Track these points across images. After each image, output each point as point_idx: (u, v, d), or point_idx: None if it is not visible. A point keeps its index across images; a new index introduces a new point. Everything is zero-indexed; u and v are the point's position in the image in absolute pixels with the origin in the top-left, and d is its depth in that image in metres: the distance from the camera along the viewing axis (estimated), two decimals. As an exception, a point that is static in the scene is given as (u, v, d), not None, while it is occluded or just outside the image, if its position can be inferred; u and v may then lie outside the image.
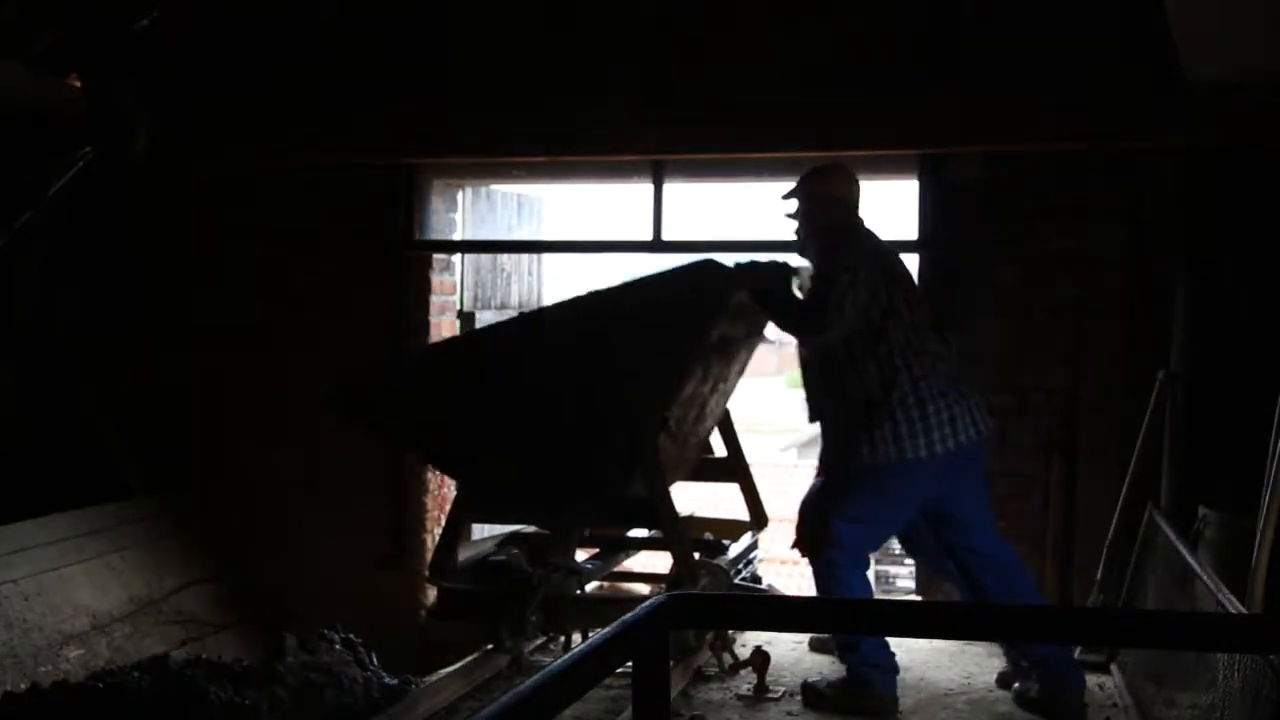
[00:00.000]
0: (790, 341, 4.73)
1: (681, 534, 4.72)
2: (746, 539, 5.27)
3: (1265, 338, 4.75)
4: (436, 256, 6.16)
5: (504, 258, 6.60)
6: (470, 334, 5.90)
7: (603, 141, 5.75)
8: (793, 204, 4.56)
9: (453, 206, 6.34)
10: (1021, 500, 5.35)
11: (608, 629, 2.26)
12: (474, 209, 6.41)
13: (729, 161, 5.88)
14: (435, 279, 6.13)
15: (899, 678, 4.38)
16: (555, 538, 4.89)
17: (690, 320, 4.46)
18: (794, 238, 4.60)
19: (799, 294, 4.56)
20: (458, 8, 5.93)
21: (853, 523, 4.24)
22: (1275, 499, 3.96)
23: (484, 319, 6.31)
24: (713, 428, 5.24)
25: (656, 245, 5.86)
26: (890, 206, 5.96)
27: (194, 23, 5.97)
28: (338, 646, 4.66)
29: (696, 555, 4.79)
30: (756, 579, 5.28)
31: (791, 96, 5.46)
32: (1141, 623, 2.90)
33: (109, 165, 5.73)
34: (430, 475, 6.03)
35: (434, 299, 6.11)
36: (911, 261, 5.24)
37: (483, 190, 6.44)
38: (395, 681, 4.64)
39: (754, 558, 5.32)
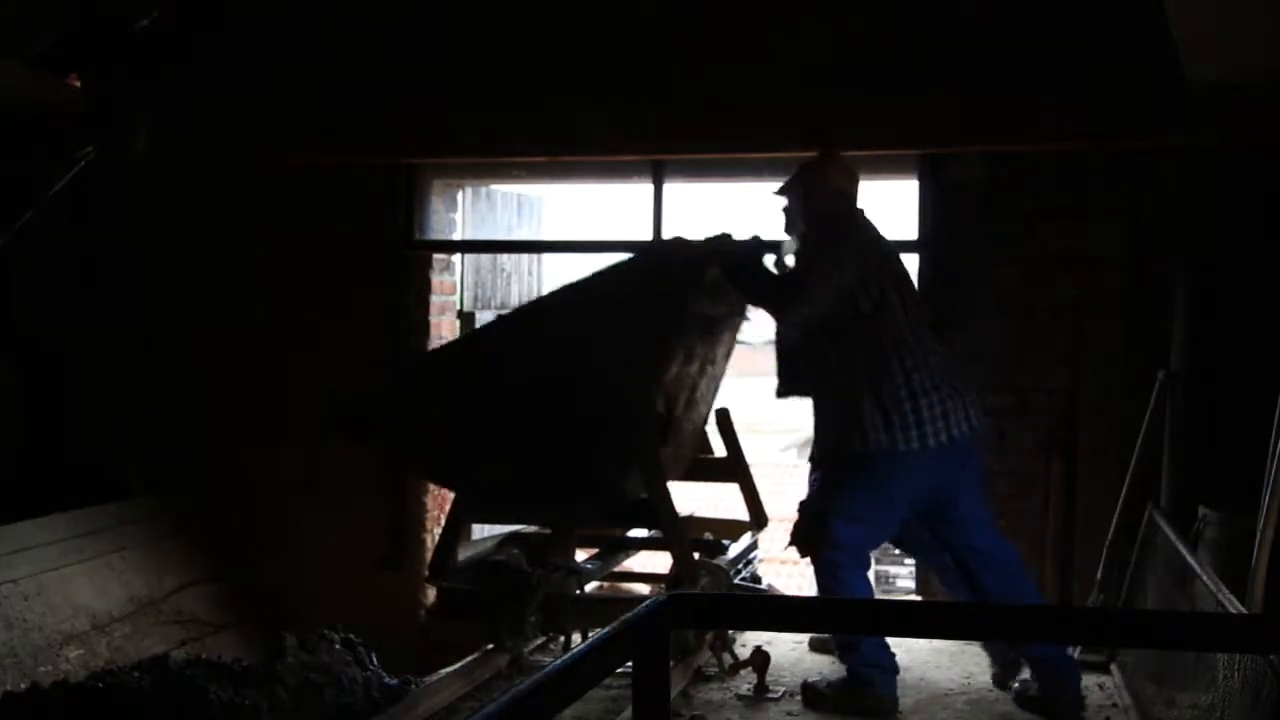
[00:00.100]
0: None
1: (681, 534, 4.72)
2: (746, 539, 5.27)
3: (1265, 338, 4.76)
4: (436, 256, 6.16)
5: (504, 258, 6.60)
6: (468, 335, 5.90)
7: (603, 141, 5.75)
8: (786, 195, 4.58)
9: (453, 206, 6.34)
10: (1021, 500, 5.35)
11: (608, 629, 2.26)
12: (474, 209, 6.41)
13: (729, 161, 5.88)
14: (435, 279, 6.13)
15: (899, 678, 4.38)
16: (555, 538, 4.88)
17: (666, 298, 4.45)
18: (786, 231, 4.62)
19: (774, 270, 4.56)
20: (458, 8, 5.93)
21: (851, 522, 4.24)
22: (1275, 499, 3.96)
23: (484, 319, 6.31)
24: (708, 414, 5.20)
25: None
26: (890, 206, 5.97)
27: (194, 23, 5.97)
28: (338, 646, 4.66)
29: (696, 555, 4.78)
30: (756, 579, 5.28)
31: (791, 96, 5.46)
32: (1141, 623, 2.90)
33: (109, 165, 5.73)
34: (430, 475, 6.04)
35: (434, 299, 6.11)
36: (911, 261, 5.24)
37: (483, 190, 6.44)
38: (395, 681, 4.64)
39: (754, 558, 5.32)
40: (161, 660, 4.69)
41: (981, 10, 5.34)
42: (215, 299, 6.24)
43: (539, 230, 6.81)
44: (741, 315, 5.05)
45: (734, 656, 4.65)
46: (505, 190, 6.53)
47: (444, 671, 4.60)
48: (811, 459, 4.63)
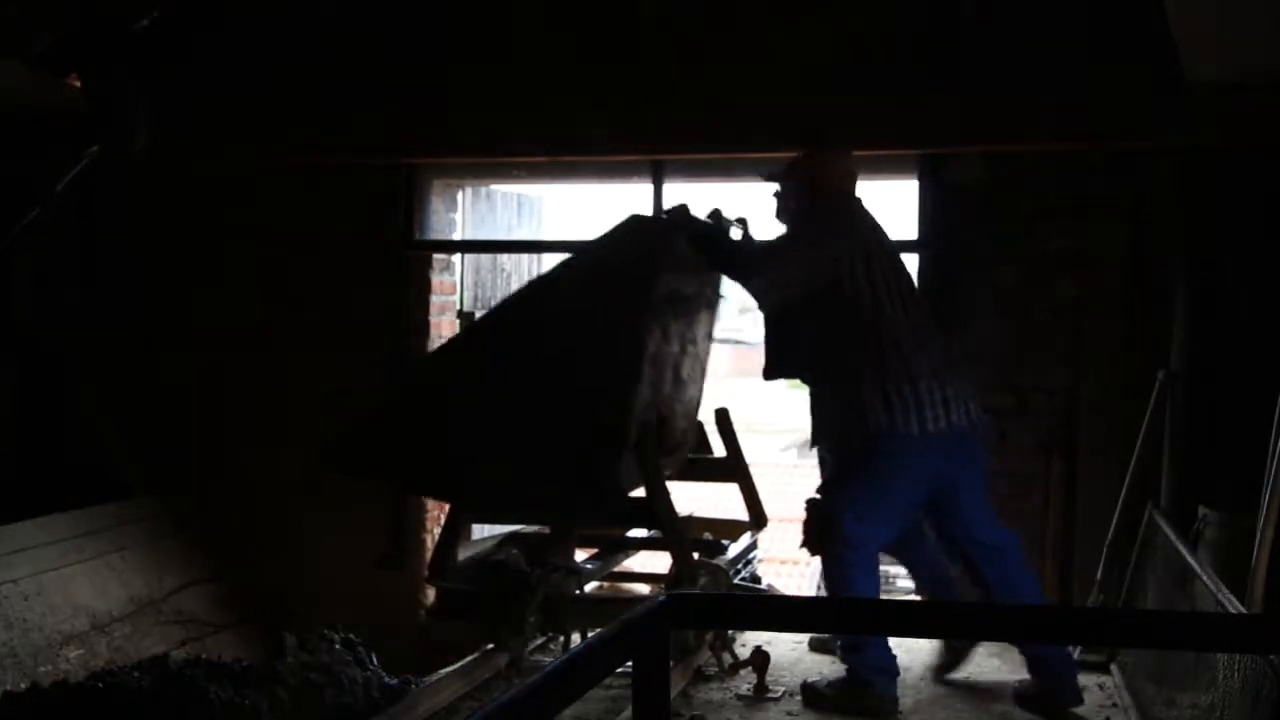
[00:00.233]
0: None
1: (681, 534, 4.72)
2: (746, 539, 5.27)
3: (1265, 338, 4.76)
4: (436, 256, 6.16)
5: (504, 258, 6.60)
6: (461, 334, 5.85)
7: (603, 141, 5.75)
8: (785, 179, 4.59)
9: (453, 206, 6.34)
10: (1021, 500, 5.34)
11: (608, 629, 2.26)
12: (474, 209, 6.41)
13: (729, 161, 5.88)
14: (435, 279, 6.13)
15: (899, 678, 4.38)
16: (554, 538, 4.88)
17: (633, 276, 4.45)
18: (776, 216, 4.62)
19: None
20: (458, 8, 5.93)
21: (861, 520, 4.23)
22: (1275, 499, 3.96)
23: (484, 319, 6.31)
24: (699, 398, 5.14)
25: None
26: (890, 206, 5.97)
27: (194, 23, 5.96)
28: (338, 646, 4.66)
29: (696, 555, 4.78)
30: (756, 579, 5.28)
31: (791, 96, 5.46)
32: (1141, 623, 2.91)
33: (109, 165, 5.74)
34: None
35: (434, 299, 6.11)
36: (911, 261, 5.24)
37: (483, 190, 6.44)
38: (395, 681, 4.64)
39: (753, 558, 5.32)
40: (161, 660, 4.69)
41: (981, 10, 5.34)
42: (215, 299, 6.24)
43: (539, 230, 6.81)
44: (715, 293, 5.04)
45: (734, 656, 4.65)
46: (505, 190, 6.53)
47: (444, 671, 4.60)
48: (812, 445, 4.62)
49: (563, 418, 4.37)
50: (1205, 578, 3.78)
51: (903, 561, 4.86)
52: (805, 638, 5.01)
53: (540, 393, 4.40)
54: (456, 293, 6.34)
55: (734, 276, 4.54)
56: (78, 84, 5.50)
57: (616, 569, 5.44)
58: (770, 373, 4.65)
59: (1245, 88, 4.79)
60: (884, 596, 5.22)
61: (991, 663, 4.81)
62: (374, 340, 5.99)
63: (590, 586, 4.96)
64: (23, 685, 4.62)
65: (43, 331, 6.26)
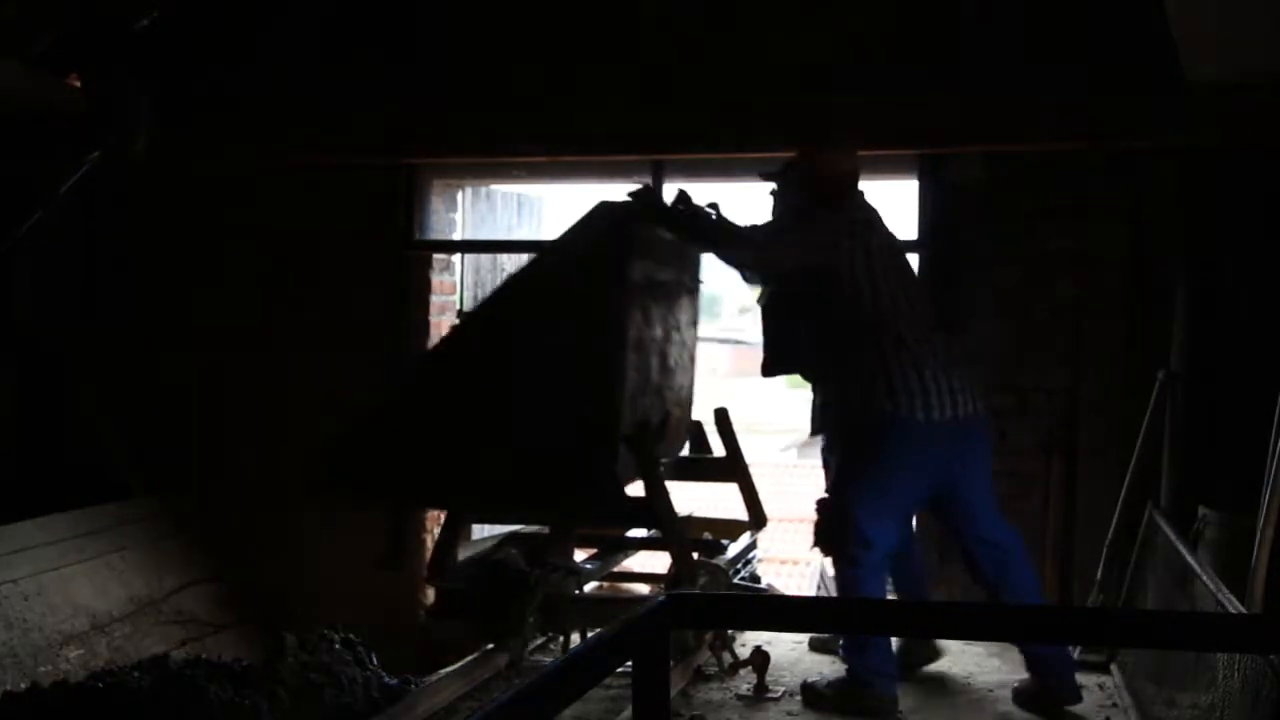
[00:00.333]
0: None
1: (680, 534, 4.72)
2: (745, 539, 5.27)
3: (1265, 338, 4.76)
4: (436, 256, 6.16)
5: (504, 258, 6.59)
6: (443, 341, 5.74)
7: (603, 141, 5.75)
8: (790, 171, 4.59)
9: (453, 206, 6.34)
10: (1021, 500, 5.34)
11: (608, 629, 2.26)
12: (474, 209, 6.41)
13: (729, 161, 5.88)
14: (435, 279, 6.13)
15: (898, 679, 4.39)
16: (553, 538, 4.88)
17: (606, 262, 4.44)
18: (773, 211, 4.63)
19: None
20: (458, 8, 5.93)
21: (873, 520, 4.23)
22: (1275, 499, 3.96)
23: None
24: (690, 387, 5.11)
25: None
26: (890, 206, 5.96)
27: (194, 23, 5.97)
28: (338, 646, 4.66)
29: (695, 555, 4.78)
30: (755, 578, 5.28)
31: (791, 96, 5.46)
32: (1141, 623, 2.91)
33: (109, 165, 5.74)
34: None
35: (434, 299, 6.11)
36: (911, 261, 5.23)
37: (483, 190, 6.44)
38: (395, 681, 4.64)
39: (753, 557, 5.32)
40: (161, 660, 4.69)
41: (981, 10, 5.34)
42: (215, 299, 6.25)
43: (539, 230, 6.81)
44: (694, 280, 5.03)
45: (734, 656, 4.65)
46: (505, 190, 6.53)
47: (444, 671, 4.60)
48: (813, 434, 4.60)
49: (552, 417, 4.36)
50: (1205, 578, 3.78)
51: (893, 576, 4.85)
52: (805, 638, 5.01)
53: (526, 392, 4.38)
54: (456, 293, 6.33)
55: (720, 250, 4.53)
56: (78, 84, 5.50)
57: (616, 569, 5.44)
58: (769, 369, 4.65)
59: (1245, 88, 4.79)
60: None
61: (991, 663, 4.81)
62: (374, 340, 5.99)
63: (590, 586, 4.96)
64: (23, 685, 4.62)
65: (43, 331, 6.26)
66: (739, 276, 4.78)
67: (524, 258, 6.68)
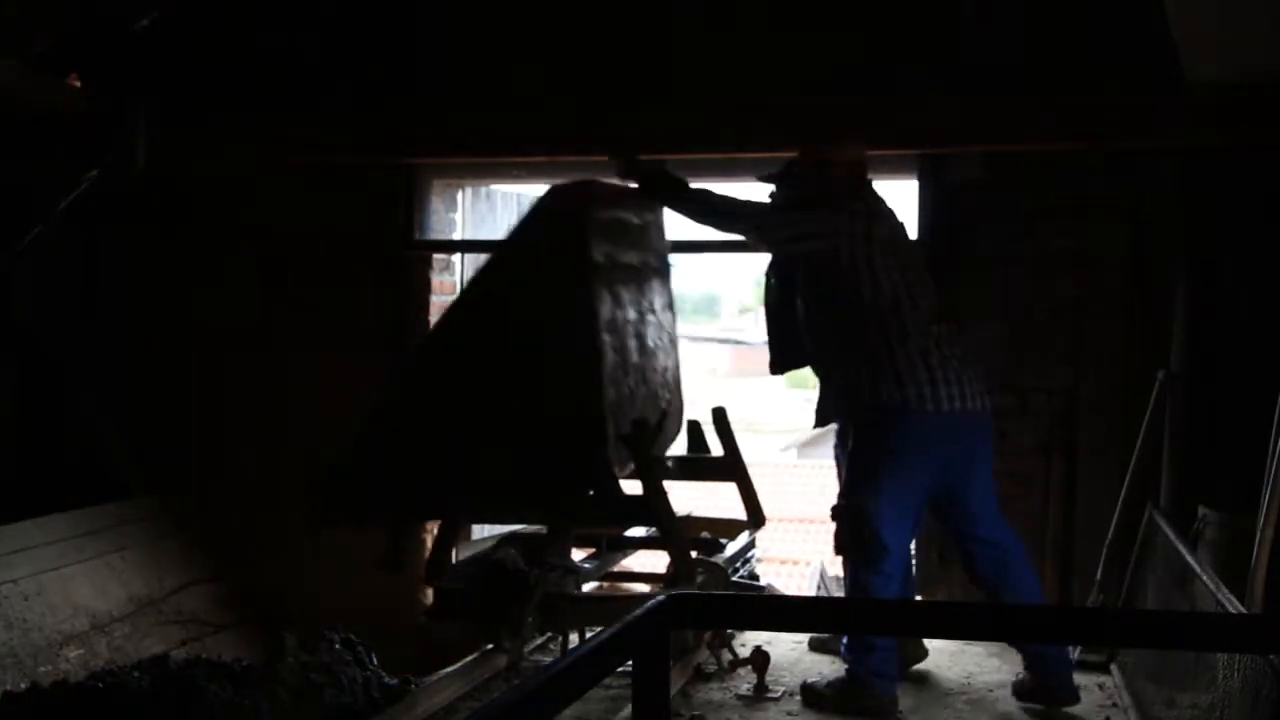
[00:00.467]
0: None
1: (679, 533, 4.72)
2: (744, 538, 5.27)
3: (1265, 338, 4.76)
4: (436, 256, 6.16)
5: (504, 257, 6.58)
6: (416, 351, 5.61)
7: (603, 141, 5.75)
8: (778, 182, 4.60)
9: (453, 206, 6.34)
10: (1021, 500, 5.34)
11: (608, 629, 2.27)
12: (474, 209, 6.41)
13: (729, 161, 5.88)
14: (435, 279, 6.13)
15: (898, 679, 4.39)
16: (552, 537, 4.88)
17: (565, 243, 4.43)
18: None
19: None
20: (458, 8, 5.93)
21: (892, 525, 4.22)
22: (1275, 499, 3.96)
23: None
24: (675, 368, 5.07)
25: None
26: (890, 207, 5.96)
27: (194, 23, 5.97)
28: (338, 646, 4.67)
29: (694, 554, 4.78)
30: (754, 578, 5.28)
31: (791, 96, 5.46)
32: (1141, 623, 2.91)
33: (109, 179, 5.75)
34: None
35: (434, 299, 6.10)
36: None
37: (483, 190, 6.44)
38: (395, 681, 4.64)
39: (751, 557, 5.32)
40: (161, 660, 4.70)
41: (981, 10, 5.34)
42: (215, 299, 6.24)
43: (539, 230, 6.80)
44: (662, 262, 5.02)
45: (734, 654, 4.66)
46: (505, 190, 6.53)
47: (443, 671, 4.60)
48: (819, 424, 4.59)
49: (536, 409, 4.33)
50: (1205, 578, 3.78)
51: None
52: (805, 638, 5.01)
53: (507, 389, 4.36)
54: (456, 293, 6.33)
55: (717, 219, 4.55)
56: (78, 84, 5.50)
57: (615, 568, 5.44)
58: (777, 366, 4.64)
59: (1245, 88, 4.79)
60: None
61: (991, 663, 4.81)
62: (374, 340, 5.99)
63: (589, 586, 4.96)
64: (23, 685, 4.62)
65: (43, 331, 6.26)
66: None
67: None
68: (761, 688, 4.48)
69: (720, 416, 5.34)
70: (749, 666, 4.54)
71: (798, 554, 10.51)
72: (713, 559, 4.81)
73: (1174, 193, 5.20)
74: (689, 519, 5.33)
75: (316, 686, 4.41)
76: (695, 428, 5.41)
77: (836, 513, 4.39)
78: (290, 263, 6.12)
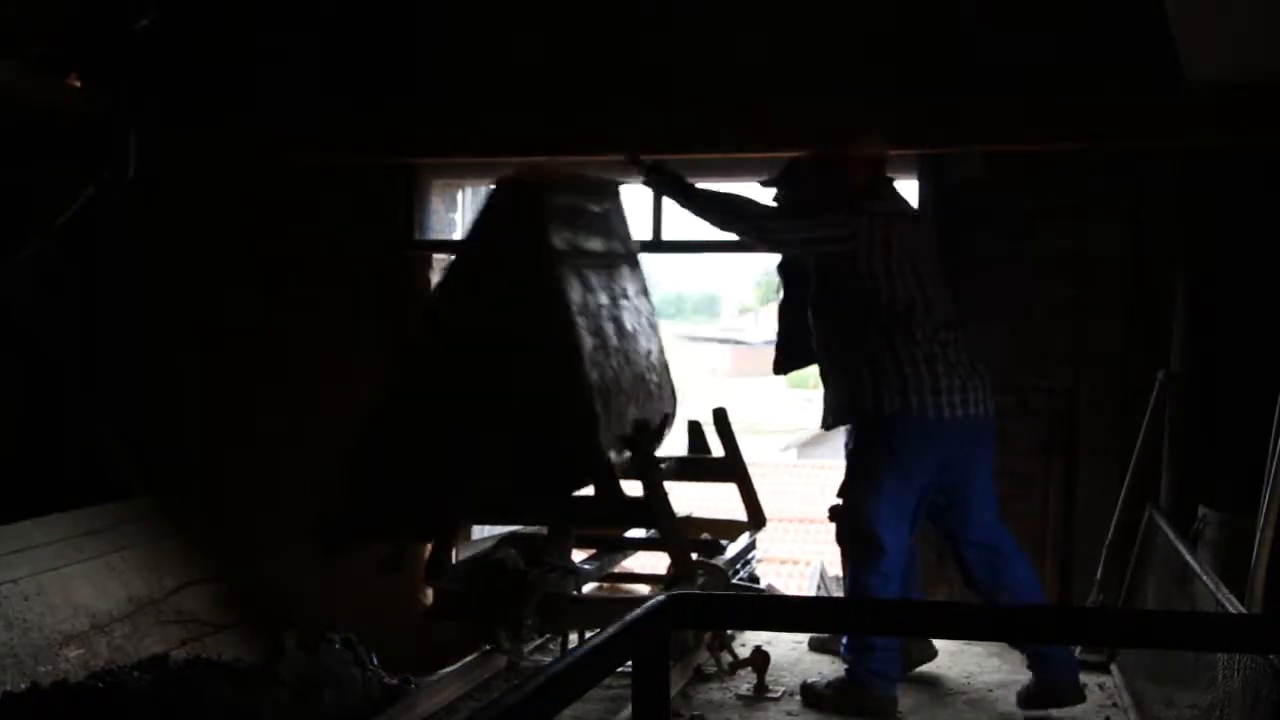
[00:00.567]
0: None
1: (679, 534, 4.72)
2: (744, 539, 5.27)
3: (1265, 338, 4.76)
4: (436, 256, 6.16)
5: (504, 258, 6.58)
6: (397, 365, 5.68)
7: (603, 141, 5.75)
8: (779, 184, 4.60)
9: (453, 206, 6.34)
10: (1021, 500, 5.34)
11: (608, 629, 2.26)
12: (474, 209, 6.41)
13: (729, 161, 5.88)
14: (435, 279, 6.13)
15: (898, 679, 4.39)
16: (552, 538, 4.88)
17: (524, 234, 4.42)
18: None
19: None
20: (459, 8, 5.93)
21: (891, 527, 4.22)
22: (1275, 499, 3.96)
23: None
24: (659, 351, 5.05)
25: (656, 245, 5.87)
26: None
27: (194, 24, 5.96)
28: (338, 646, 4.66)
29: (694, 555, 4.78)
30: (754, 579, 5.28)
31: (791, 96, 5.46)
32: (1141, 623, 2.91)
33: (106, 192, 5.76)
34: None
35: (434, 299, 6.10)
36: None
37: (483, 190, 6.44)
38: (395, 681, 4.64)
39: (752, 558, 5.32)
40: (161, 660, 4.69)
41: (981, 10, 5.34)
42: (215, 299, 6.24)
43: (539, 230, 6.80)
44: (629, 250, 5.02)
45: (733, 655, 4.65)
46: (505, 190, 6.52)
47: (443, 671, 4.60)
48: (825, 426, 4.59)
49: (524, 401, 4.32)
50: (1205, 578, 3.78)
51: None
52: (805, 638, 5.01)
53: (493, 389, 4.34)
54: (456, 293, 6.33)
55: (719, 216, 4.54)
56: (78, 84, 5.50)
57: (615, 569, 5.43)
58: (782, 365, 4.64)
59: (1245, 88, 4.79)
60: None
61: (991, 663, 4.81)
62: (374, 340, 5.98)
63: (589, 587, 4.95)
64: (23, 685, 4.62)
65: (43, 332, 6.26)
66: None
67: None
68: (761, 688, 4.48)
69: (721, 417, 5.34)
70: (749, 667, 4.54)
71: (798, 554, 10.50)
72: (713, 560, 4.80)
73: (1174, 193, 5.20)
74: (689, 520, 5.33)
75: (316, 686, 4.40)
76: (696, 428, 5.41)
77: (836, 513, 4.39)
78: (291, 263, 6.12)
